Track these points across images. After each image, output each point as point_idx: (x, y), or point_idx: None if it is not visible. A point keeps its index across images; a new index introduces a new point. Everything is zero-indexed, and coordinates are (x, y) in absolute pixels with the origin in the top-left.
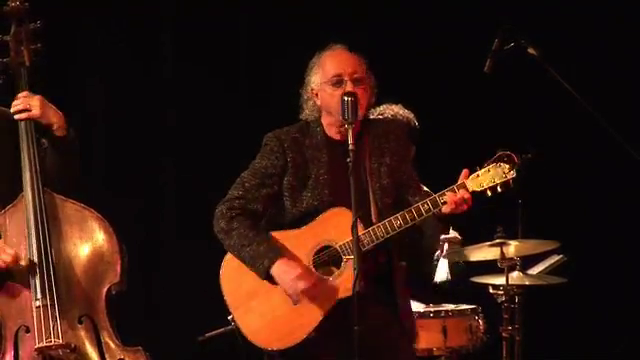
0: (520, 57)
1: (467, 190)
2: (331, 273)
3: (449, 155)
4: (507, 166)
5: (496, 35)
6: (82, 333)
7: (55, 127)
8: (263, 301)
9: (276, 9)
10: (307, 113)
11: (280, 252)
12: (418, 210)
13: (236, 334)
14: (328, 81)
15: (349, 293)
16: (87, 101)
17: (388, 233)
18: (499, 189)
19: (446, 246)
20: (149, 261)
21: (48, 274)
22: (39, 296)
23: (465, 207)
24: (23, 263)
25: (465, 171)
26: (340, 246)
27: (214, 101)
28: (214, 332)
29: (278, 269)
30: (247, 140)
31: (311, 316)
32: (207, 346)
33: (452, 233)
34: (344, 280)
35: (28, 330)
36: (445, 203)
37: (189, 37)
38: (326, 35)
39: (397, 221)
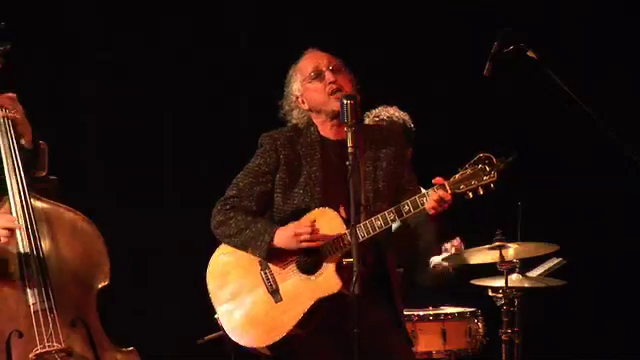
0: (520, 60)
1: (446, 191)
2: (314, 272)
3: (448, 157)
4: (487, 168)
5: (495, 38)
6: (77, 336)
7: (25, 139)
8: (246, 300)
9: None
10: (295, 121)
11: (276, 226)
12: (398, 210)
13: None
14: (308, 77)
15: (329, 292)
16: (81, 98)
17: (369, 233)
18: (480, 191)
19: (446, 248)
20: (148, 263)
21: (44, 277)
22: (36, 300)
23: (445, 206)
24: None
25: (438, 179)
26: (322, 246)
27: (213, 103)
28: (213, 335)
29: (279, 237)
30: (247, 140)
31: (291, 314)
32: (206, 349)
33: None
34: (324, 279)
35: (21, 335)
36: (424, 204)
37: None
38: (325, 37)
39: (377, 221)
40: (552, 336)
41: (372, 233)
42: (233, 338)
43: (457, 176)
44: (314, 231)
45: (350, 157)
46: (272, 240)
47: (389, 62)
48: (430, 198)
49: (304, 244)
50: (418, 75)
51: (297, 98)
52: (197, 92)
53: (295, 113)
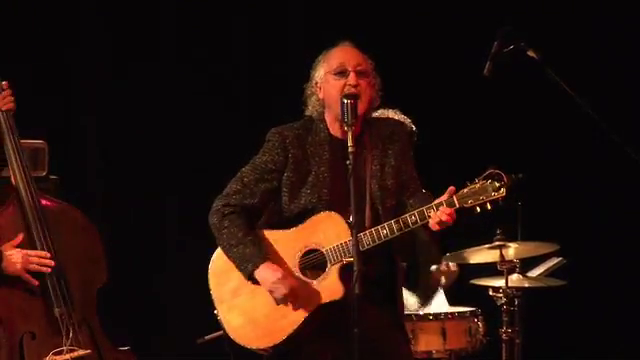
0: (520, 60)
1: (451, 206)
2: (317, 276)
3: (448, 158)
4: (497, 184)
5: (495, 38)
6: (84, 338)
7: None
8: (247, 299)
9: (275, 12)
10: (310, 109)
11: (265, 257)
12: (405, 221)
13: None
14: (332, 71)
15: (332, 298)
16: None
17: (374, 241)
18: (488, 206)
19: (443, 279)
20: (148, 263)
21: (61, 278)
22: (57, 304)
23: (449, 222)
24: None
25: (451, 188)
26: (327, 250)
27: (215, 99)
28: (213, 335)
29: (261, 273)
30: (249, 137)
31: (292, 318)
32: (206, 349)
33: (451, 265)
34: (327, 285)
35: (34, 337)
36: (431, 216)
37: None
38: (324, 39)
39: (384, 230)
40: (552, 336)
41: (377, 242)
42: (231, 336)
43: (465, 190)
44: (286, 296)
45: (350, 157)
46: (254, 271)
47: (388, 62)
48: (435, 212)
49: (277, 300)
50: (417, 75)
51: (317, 84)
52: (197, 92)
53: (313, 99)
